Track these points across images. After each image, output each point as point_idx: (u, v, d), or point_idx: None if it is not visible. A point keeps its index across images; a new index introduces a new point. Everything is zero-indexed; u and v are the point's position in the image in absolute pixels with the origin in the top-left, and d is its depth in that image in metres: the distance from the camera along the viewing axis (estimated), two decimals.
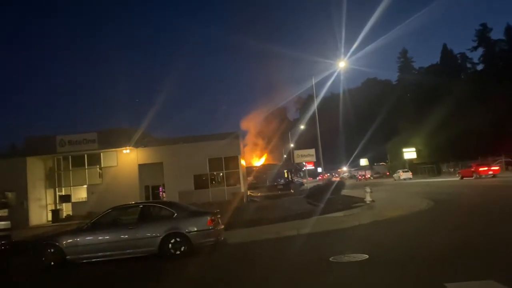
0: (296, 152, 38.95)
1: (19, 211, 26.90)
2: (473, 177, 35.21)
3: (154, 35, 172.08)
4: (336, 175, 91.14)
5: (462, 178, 37.89)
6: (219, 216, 10.87)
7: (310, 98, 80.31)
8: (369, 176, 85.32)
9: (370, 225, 12.74)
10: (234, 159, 30.69)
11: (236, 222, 14.52)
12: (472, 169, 36.37)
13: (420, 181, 44.30)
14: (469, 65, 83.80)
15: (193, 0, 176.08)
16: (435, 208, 15.39)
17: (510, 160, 46.72)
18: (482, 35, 76.98)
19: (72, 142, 28.77)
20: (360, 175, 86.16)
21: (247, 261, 9.21)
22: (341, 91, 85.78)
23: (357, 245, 9.51)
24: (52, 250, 10.08)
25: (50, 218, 29.07)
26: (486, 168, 35.28)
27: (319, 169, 70.71)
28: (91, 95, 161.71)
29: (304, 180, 57.12)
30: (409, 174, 56.37)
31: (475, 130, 55.38)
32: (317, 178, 77.53)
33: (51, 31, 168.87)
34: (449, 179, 40.42)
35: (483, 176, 34.26)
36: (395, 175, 60.64)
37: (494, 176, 34.34)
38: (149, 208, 11.21)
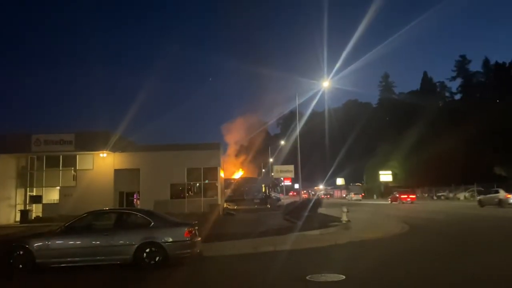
0: (276, 167, 39.06)
1: None
2: (397, 202, 46.41)
3: (136, 45, 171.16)
4: (313, 193, 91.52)
5: (391, 202, 49.02)
6: (196, 227, 10.72)
7: (291, 114, 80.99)
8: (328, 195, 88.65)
9: (346, 245, 12.80)
10: (214, 170, 30.53)
11: (212, 234, 14.32)
12: (397, 196, 48.10)
13: (367, 202, 56.22)
14: (447, 94, 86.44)
15: (177, 19, 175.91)
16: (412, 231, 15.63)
17: (481, 189, 47.89)
18: (461, 66, 79.78)
19: (48, 142, 28.13)
20: (323, 195, 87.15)
21: (223, 276, 9.08)
22: (326, 111, 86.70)
23: (333, 264, 9.53)
24: (21, 252, 9.67)
25: (18, 218, 28.16)
26: (406, 196, 47.22)
27: (296, 185, 71.04)
28: (69, 96, 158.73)
29: (282, 195, 57.14)
30: (359, 196, 68.82)
31: (449, 158, 56.81)
32: (289, 194, 78.04)
33: (33, 29, 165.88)
34: (384, 203, 51.99)
35: (404, 202, 45.63)
36: (348, 196, 74.57)
37: (412, 202, 45.67)
38: (126, 215, 10.98)
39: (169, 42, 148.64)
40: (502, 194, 30.17)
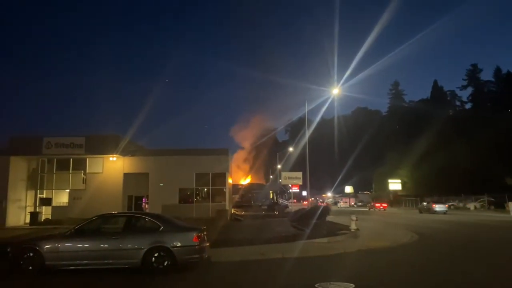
0: (284, 174, 38.89)
1: None
2: (373, 209, 59.74)
3: (147, 49, 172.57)
4: (321, 200, 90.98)
5: (369, 209, 61.92)
6: (205, 233, 10.72)
7: (300, 121, 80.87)
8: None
9: (355, 253, 12.70)
10: (222, 176, 30.51)
11: (220, 240, 14.32)
12: (374, 204, 64.09)
13: (351, 209, 63.79)
14: (458, 103, 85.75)
15: (188, 25, 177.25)
16: (421, 240, 15.47)
17: (493, 199, 47.32)
18: (472, 75, 79.14)
19: (59, 145, 28.31)
20: (320, 201, 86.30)
21: (231, 283, 9.06)
22: (335, 119, 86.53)
23: (342, 273, 9.47)
24: (31, 254, 9.74)
25: (28, 220, 28.32)
26: (379, 204, 62.34)
27: (304, 193, 70.68)
28: (80, 100, 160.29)
29: (290, 202, 56.91)
30: (346, 204, 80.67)
31: (459, 167, 56.26)
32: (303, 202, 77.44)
33: (46, 34, 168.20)
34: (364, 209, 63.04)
35: (377, 210, 59.35)
36: (338, 204, 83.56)
37: (384, 210, 58.90)
38: (136, 219, 11.01)
39: (180, 48, 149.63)
40: None
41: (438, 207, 43.60)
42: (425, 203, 48.62)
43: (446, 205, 46.58)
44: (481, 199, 49.49)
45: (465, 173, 56.13)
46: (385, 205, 62.28)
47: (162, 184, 29.24)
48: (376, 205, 62.41)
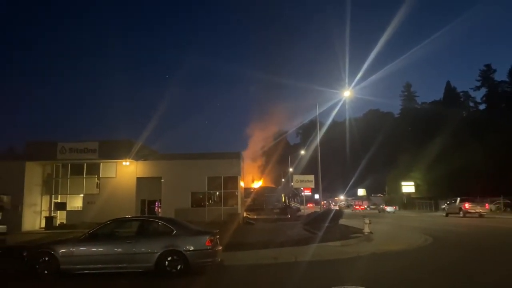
0: (295, 177, 38.69)
1: (13, 215, 26.59)
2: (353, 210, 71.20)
3: (159, 54, 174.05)
4: (333, 203, 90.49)
5: (352, 210, 71.63)
6: (218, 236, 10.74)
7: (312, 124, 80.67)
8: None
9: (368, 257, 12.59)
10: (234, 180, 30.57)
11: (233, 243, 14.32)
12: (355, 207, 77.59)
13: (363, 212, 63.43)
14: (471, 104, 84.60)
15: (199, 29, 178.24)
16: (435, 243, 15.28)
17: (509, 201, 46.51)
18: (486, 75, 78.04)
19: (73, 150, 28.68)
20: (333, 205, 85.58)
21: (244, 287, 9.05)
22: (347, 121, 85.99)
23: (356, 276, 9.40)
24: (46, 258, 9.87)
25: (43, 224, 28.71)
26: (358, 207, 77.26)
27: (316, 196, 70.36)
28: (93, 105, 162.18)
29: (302, 206, 56.73)
30: (336, 206, 78.69)
31: (474, 169, 55.45)
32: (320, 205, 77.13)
33: (58, 40, 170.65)
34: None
35: (357, 211, 69.62)
36: (351, 207, 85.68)
37: (361, 210, 70.92)
38: (149, 223, 11.09)
39: (191, 52, 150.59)
40: None
41: (475, 208, 34.39)
42: (454, 203, 37.90)
43: (486, 205, 37.09)
44: (497, 201, 48.68)
45: (479, 174, 55.30)
46: (363, 207, 72.85)
47: (163, 180, 29.50)
48: (356, 206, 74.95)
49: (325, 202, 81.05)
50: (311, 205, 73.10)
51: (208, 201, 30.31)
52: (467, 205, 35.32)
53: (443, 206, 42.91)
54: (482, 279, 8.80)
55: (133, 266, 9.79)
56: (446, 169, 58.13)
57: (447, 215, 38.08)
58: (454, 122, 63.29)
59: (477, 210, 34.64)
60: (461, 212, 35.40)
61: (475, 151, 55.18)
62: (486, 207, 36.61)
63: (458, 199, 37.69)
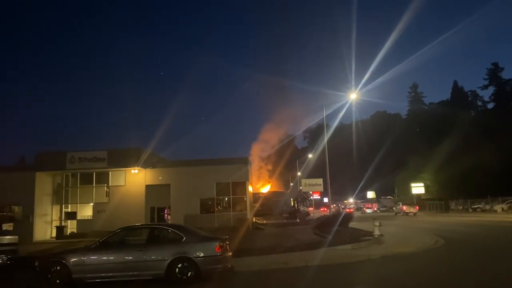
0: (304, 181, 38.58)
1: (24, 226, 26.93)
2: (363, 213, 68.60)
3: (166, 60, 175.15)
4: (343, 206, 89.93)
5: (362, 213, 68.44)
6: (227, 242, 10.75)
7: (319, 127, 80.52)
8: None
9: (379, 260, 12.51)
10: (242, 185, 30.55)
11: (243, 249, 14.31)
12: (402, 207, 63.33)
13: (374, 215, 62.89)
14: (479, 103, 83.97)
15: (206, 34, 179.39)
16: (447, 245, 15.13)
17: None
18: (494, 74, 77.50)
19: (82, 159, 28.90)
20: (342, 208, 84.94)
21: None
22: (353, 123, 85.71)
23: (367, 280, 9.35)
24: (58, 267, 9.96)
25: (54, 234, 28.91)
26: (368, 208, 75.36)
27: (325, 199, 69.97)
28: (101, 114, 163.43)
29: (311, 209, 56.46)
30: (370, 210, 79.61)
31: (484, 169, 54.91)
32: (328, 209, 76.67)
33: (67, 48, 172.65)
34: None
35: (366, 213, 68.27)
36: (362, 209, 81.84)
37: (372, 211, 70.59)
38: (158, 230, 11.15)
39: (198, 57, 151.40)
40: None
41: (409, 209, 48.27)
42: (398, 206, 50.72)
43: (417, 207, 50.34)
44: (508, 201, 48.14)
45: (490, 174, 54.75)
46: (351, 210, 61.39)
47: (160, 178, 29.60)
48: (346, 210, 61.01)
49: (334, 205, 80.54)
50: (324, 209, 72.56)
51: (217, 207, 30.30)
52: (404, 207, 53.97)
53: (394, 208, 59.69)
54: (494, 284, 8.70)
55: (144, 274, 9.82)
56: (456, 169, 57.64)
57: (395, 214, 52.13)
58: (463, 121, 62.82)
59: (411, 211, 50.10)
60: (402, 212, 51.96)
61: (485, 150, 54.67)
62: (416, 208, 53.53)
63: (400, 203, 59.67)
